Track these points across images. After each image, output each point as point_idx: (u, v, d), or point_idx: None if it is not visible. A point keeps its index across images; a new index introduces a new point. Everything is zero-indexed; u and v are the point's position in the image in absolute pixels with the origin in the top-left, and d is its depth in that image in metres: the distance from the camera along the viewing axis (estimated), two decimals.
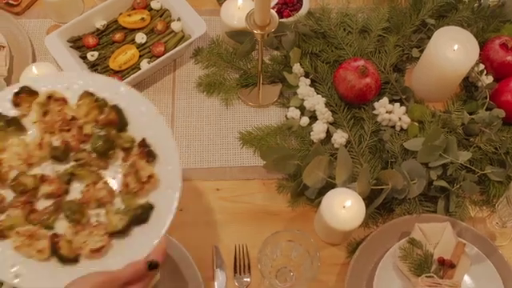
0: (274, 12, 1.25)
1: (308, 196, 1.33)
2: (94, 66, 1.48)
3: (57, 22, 1.57)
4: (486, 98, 1.43)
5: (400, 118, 1.40)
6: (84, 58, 1.49)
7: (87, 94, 1.04)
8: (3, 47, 1.50)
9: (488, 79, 1.46)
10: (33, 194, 0.97)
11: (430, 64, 1.42)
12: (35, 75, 1.38)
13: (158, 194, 0.98)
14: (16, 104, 1.04)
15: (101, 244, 0.93)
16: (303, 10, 1.54)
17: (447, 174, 1.31)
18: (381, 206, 1.30)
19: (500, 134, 1.39)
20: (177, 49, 1.48)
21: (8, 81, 1.47)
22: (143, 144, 1.01)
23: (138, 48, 1.50)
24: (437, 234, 1.26)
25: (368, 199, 1.28)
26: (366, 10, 1.59)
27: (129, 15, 1.54)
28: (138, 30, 1.53)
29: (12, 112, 1.03)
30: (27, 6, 1.62)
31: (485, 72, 1.47)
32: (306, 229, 1.29)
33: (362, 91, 1.39)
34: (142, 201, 0.97)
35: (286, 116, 1.45)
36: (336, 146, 1.37)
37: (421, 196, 1.32)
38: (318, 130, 1.38)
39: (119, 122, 1.03)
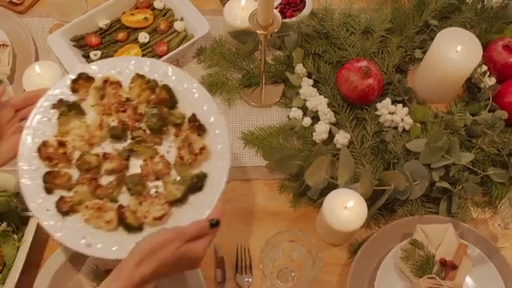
0: (277, 12, 1.25)
1: (310, 196, 1.33)
2: None
3: (60, 21, 1.57)
4: (488, 99, 1.43)
5: (402, 119, 1.40)
6: (87, 56, 1.49)
7: (138, 77, 1.14)
8: (6, 46, 1.50)
9: (491, 80, 1.46)
10: (97, 171, 1.08)
11: (432, 65, 1.42)
12: (38, 74, 1.38)
13: (210, 164, 1.09)
14: (74, 90, 1.13)
15: (162, 212, 1.04)
16: (306, 11, 1.54)
17: (449, 175, 1.31)
18: (383, 206, 1.31)
19: (503, 135, 1.39)
20: (179, 48, 1.48)
21: (11, 79, 1.47)
22: (193, 119, 1.11)
23: (140, 47, 1.51)
24: (439, 235, 1.26)
25: (370, 200, 1.28)
26: (369, 11, 1.59)
27: (132, 14, 1.54)
28: (141, 29, 1.53)
29: (72, 98, 1.13)
30: (30, 4, 1.62)
31: (488, 73, 1.47)
32: (308, 229, 1.29)
33: (365, 92, 1.39)
34: (195, 171, 1.08)
35: (288, 116, 1.45)
36: (338, 146, 1.37)
37: (423, 197, 1.32)
38: (321, 131, 1.38)
39: (170, 100, 1.13)
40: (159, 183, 1.08)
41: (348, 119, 1.41)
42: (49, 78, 1.38)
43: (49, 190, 1.07)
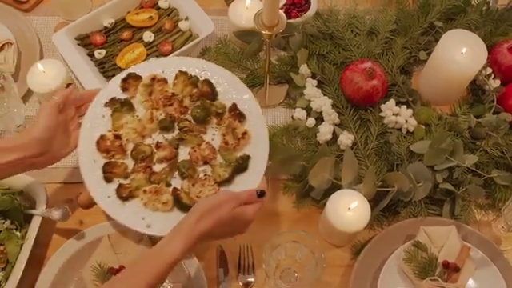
0: (282, 13, 1.25)
1: (313, 197, 1.33)
2: (101, 64, 1.48)
3: (65, 20, 1.57)
4: (493, 101, 1.43)
5: (406, 121, 1.40)
6: (91, 55, 1.49)
7: (181, 73, 1.27)
8: (11, 44, 1.51)
9: (495, 83, 1.45)
10: (150, 159, 1.21)
11: (437, 67, 1.41)
12: (42, 72, 1.38)
13: (251, 147, 1.22)
14: (124, 89, 1.26)
15: (213, 192, 1.16)
16: (311, 11, 1.54)
17: (453, 177, 1.31)
18: (386, 208, 1.30)
19: (507, 137, 1.38)
20: (184, 48, 1.48)
21: (15, 77, 1.47)
22: (234, 108, 1.24)
23: (145, 46, 1.51)
24: (442, 237, 1.26)
25: (373, 201, 1.28)
26: (374, 12, 1.59)
27: (137, 14, 1.55)
28: (146, 28, 1.54)
29: (122, 95, 1.25)
30: (35, 3, 1.62)
31: (492, 76, 1.47)
32: (311, 230, 1.29)
33: (369, 93, 1.39)
34: (239, 154, 1.21)
35: (292, 117, 1.45)
36: (342, 147, 1.37)
37: (426, 199, 1.32)
38: (324, 132, 1.38)
39: (211, 92, 1.26)
40: (207, 167, 1.20)
41: (352, 120, 1.41)
42: (53, 77, 1.38)
43: (108, 179, 1.19)
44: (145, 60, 1.48)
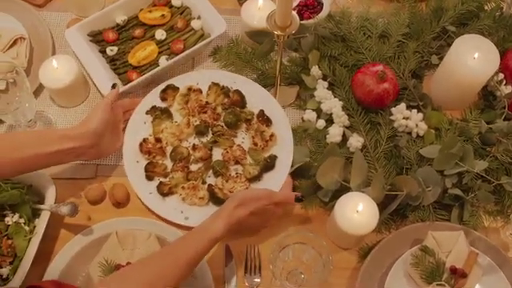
0: (295, 14, 1.25)
1: (321, 198, 1.33)
2: (112, 61, 1.49)
3: (77, 16, 1.58)
4: (504, 107, 1.42)
5: (417, 125, 1.39)
6: (103, 52, 1.50)
7: (214, 84, 1.46)
8: (24, 39, 1.51)
9: (507, 89, 1.45)
10: (187, 160, 1.38)
11: (449, 71, 1.41)
12: (55, 67, 1.39)
13: (278, 148, 1.39)
14: (163, 99, 1.45)
15: (244, 187, 1.34)
16: (323, 13, 1.53)
17: (462, 182, 1.30)
18: (394, 211, 1.30)
19: None
20: (196, 47, 1.48)
21: (27, 72, 1.48)
22: (262, 114, 1.42)
23: (157, 44, 1.51)
24: (450, 242, 1.25)
25: (381, 205, 1.27)
26: (387, 15, 1.58)
27: (149, 11, 1.55)
28: (158, 26, 1.54)
29: (162, 104, 1.44)
30: None
31: (504, 81, 1.46)
32: (318, 232, 1.28)
33: (380, 96, 1.39)
34: (266, 154, 1.38)
35: (302, 118, 1.45)
36: (352, 149, 1.37)
37: (435, 203, 1.31)
38: (334, 134, 1.38)
39: (241, 101, 1.44)
40: (238, 166, 1.38)
41: (362, 123, 1.41)
42: (65, 72, 1.39)
43: (149, 178, 1.35)
44: (157, 58, 1.48)
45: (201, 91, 1.45)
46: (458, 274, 1.22)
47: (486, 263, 1.25)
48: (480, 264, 1.24)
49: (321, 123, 1.42)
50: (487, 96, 1.49)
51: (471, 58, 1.36)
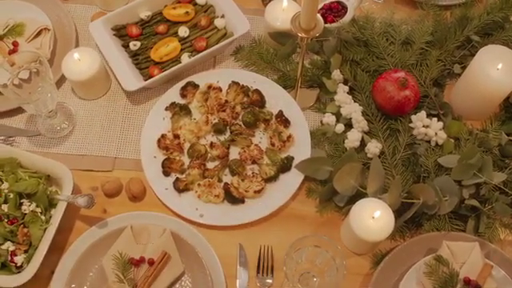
0: (319, 16, 1.24)
1: (336, 203, 1.33)
2: (135, 56, 1.50)
3: (102, 10, 1.59)
4: None
5: (436, 133, 1.38)
6: (126, 46, 1.51)
7: (234, 83, 1.46)
8: (48, 30, 1.52)
9: None
10: (204, 157, 1.39)
11: (471, 81, 1.40)
12: (78, 60, 1.40)
13: (295, 150, 1.39)
14: (183, 95, 1.46)
15: (260, 187, 1.34)
16: (347, 17, 1.53)
17: (480, 193, 1.29)
18: (409, 219, 1.30)
19: None
20: (218, 45, 1.48)
21: (50, 63, 1.49)
22: (280, 114, 1.43)
23: (180, 41, 1.52)
24: (464, 253, 1.24)
25: (397, 212, 1.27)
26: (410, 22, 1.57)
27: (174, 8, 1.55)
28: (182, 23, 1.55)
29: (181, 101, 1.45)
30: None
31: None
32: (332, 236, 1.28)
33: (401, 103, 1.38)
34: (283, 155, 1.38)
35: (321, 121, 1.45)
36: (369, 155, 1.36)
37: (451, 213, 1.31)
38: (353, 138, 1.38)
39: (261, 100, 1.45)
40: (254, 166, 1.38)
41: (381, 129, 1.41)
42: (87, 65, 1.40)
43: (166, 173, 1.36)
44: (179, 54, 1.49)
45: (220, 89, 1.46)
46: (472, 286, 1.21)
47: (501, 276, 1.24)
48: (494, 277, 1.23)
49: (340, 127, 1.41)
50: (509, 108, 1.48)
51: (494, 69, 1.35)
